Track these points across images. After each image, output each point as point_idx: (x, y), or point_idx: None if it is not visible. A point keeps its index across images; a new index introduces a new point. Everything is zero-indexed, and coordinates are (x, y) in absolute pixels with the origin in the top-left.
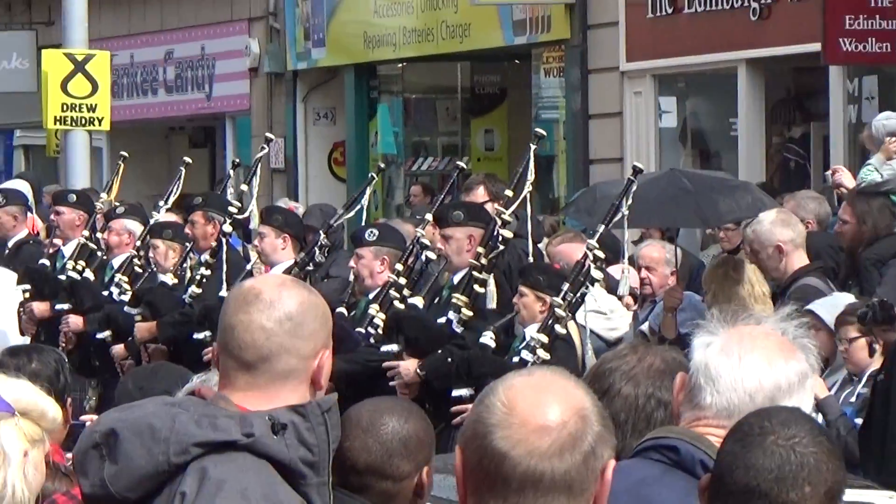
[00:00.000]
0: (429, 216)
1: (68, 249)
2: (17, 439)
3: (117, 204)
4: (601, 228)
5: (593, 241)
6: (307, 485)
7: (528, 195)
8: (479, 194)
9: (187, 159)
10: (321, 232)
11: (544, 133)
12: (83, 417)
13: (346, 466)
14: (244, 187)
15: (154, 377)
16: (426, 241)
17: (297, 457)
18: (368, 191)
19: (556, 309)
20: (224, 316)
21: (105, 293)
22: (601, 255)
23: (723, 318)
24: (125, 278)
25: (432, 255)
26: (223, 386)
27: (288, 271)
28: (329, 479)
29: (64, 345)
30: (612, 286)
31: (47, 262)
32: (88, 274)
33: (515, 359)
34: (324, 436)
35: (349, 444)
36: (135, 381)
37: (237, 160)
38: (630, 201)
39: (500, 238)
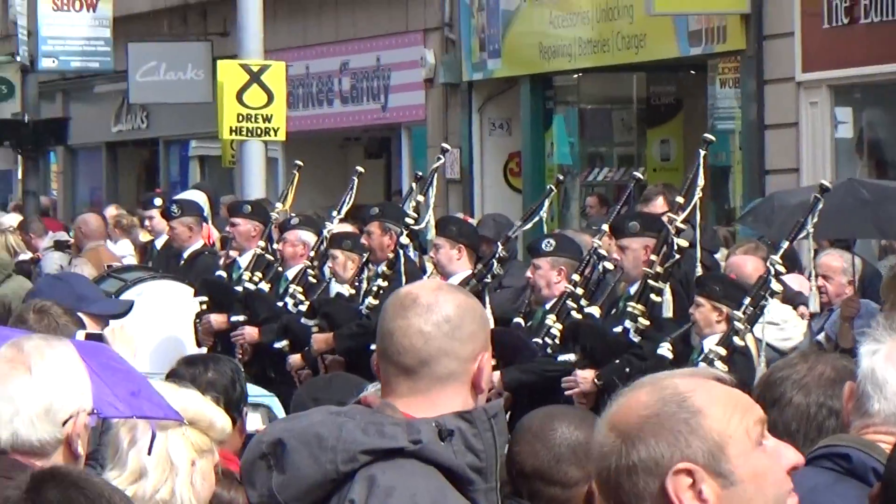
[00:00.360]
0: (605, 227)
1: (244, 260)
2: (184, 449)
3: (292, 215)
4: (785, 245)
5: (776, 257)
6: (475, 490)
7: (699, 202)
8: (658, 205)
9: (360, 169)
10: (499, 243)
11: (713, 139)
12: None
13: (514, 470)
14: (420, 198)
15: (329, 388)
16: (603, 252)
17: (465, 463)
18: (547, 203)
19: (736, 322)
20: (382, 322)
21: (280, 304)
22: (783, 269)
23: (889, 326)
24: (300, 289)
25: (609, 266)
26: (386, 393)
27: (465, 282)
28: (497, 485)
29: (240, 356)
30: (786, 296)
31: (224, 274)
32: (264, 285)
33: None
34: (490, 441)
35: (518, 448)
36: (309, 392)
37: (420, 173)
38: (815, 219)
39: (676, 247)
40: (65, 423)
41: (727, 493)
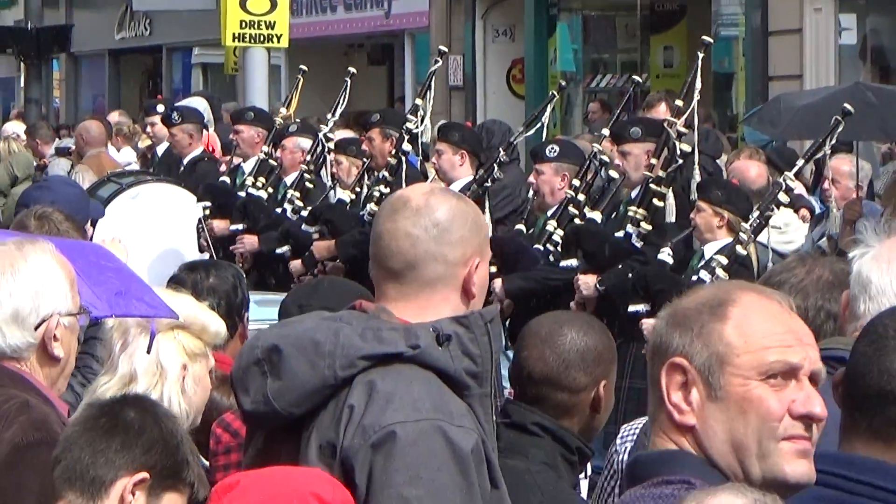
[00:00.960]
0: (605, 131)
1: (248, 166)
2: (175, 353)
3: (295, 121)
4: (800, 163)
5: (790, 173)
6: (470, 396)
7: (697, 106)
8: (661, 111)
9: (352, 70)
10: (500, 148)
11: (712, 41)
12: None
13: (523, 376)
14: (419, 101)
15: (314, 294)
16: (605, 157)
17: (462, 368)
18: (549, 109)
19: (741, 234)
20: (374, 225)
21: (279, 210)
22: (793, 185)
23: (877, 230)
24: (297, 195)
25: (615, 174)
26: (378, 297)
27: (466, 188)
28: (491, 391)
29: (240, 264)
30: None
31: (227, 179)
32: (265, 192)
33: (694, 277)
34: (487, 346)
35: (527, 353)
36: (295, 298)
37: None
38: (834, 140)
39: (679, 151)
40: (37, 327)
41: (710, 405)
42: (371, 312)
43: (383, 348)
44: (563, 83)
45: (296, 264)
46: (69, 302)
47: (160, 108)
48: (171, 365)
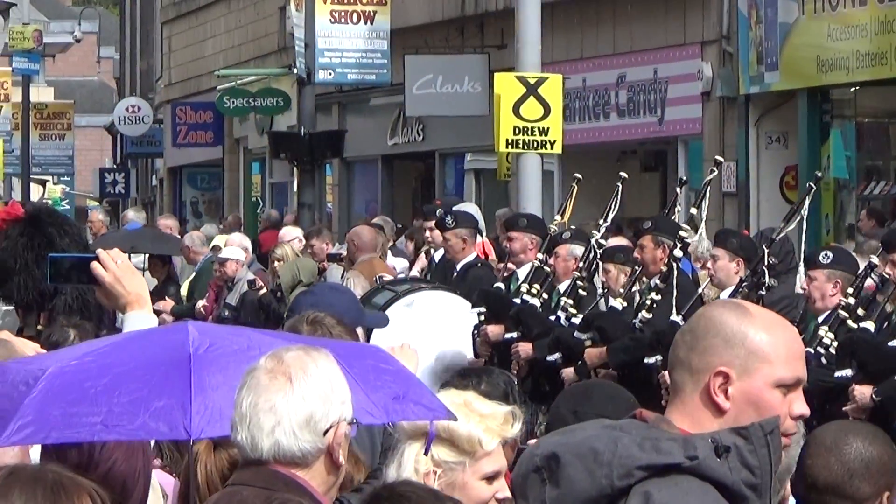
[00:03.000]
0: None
1: (522, 273)
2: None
3: (570, 228)
4: None
5: None
6: None
7: None
8: None
9: (623, 175)
10: (764, 248)
11: None
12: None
13: (807, 483)
14: (693, 210)
15: (588, 399)
16: (881, 269)
17: (740, 479)
18: (807, 201)
19: None
20: None
21: (552, 318)
22: None
23: None
24: (571, 302)
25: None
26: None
27: (734, 291)
28: (769, 502)
29: (516, 371)
30: None
31: (502, 286)
32: (540, 298)
33: None
34: (766, 458)
35: (811, 461)
36: (568, 403)
37: (684, 178)
38: None
39: None
40: (325, 432)
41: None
42: (651, 422)
43: (661, 459)
44: (819, 174)
45: (568, 372)
46: (350, 409)
47: (439, 211)
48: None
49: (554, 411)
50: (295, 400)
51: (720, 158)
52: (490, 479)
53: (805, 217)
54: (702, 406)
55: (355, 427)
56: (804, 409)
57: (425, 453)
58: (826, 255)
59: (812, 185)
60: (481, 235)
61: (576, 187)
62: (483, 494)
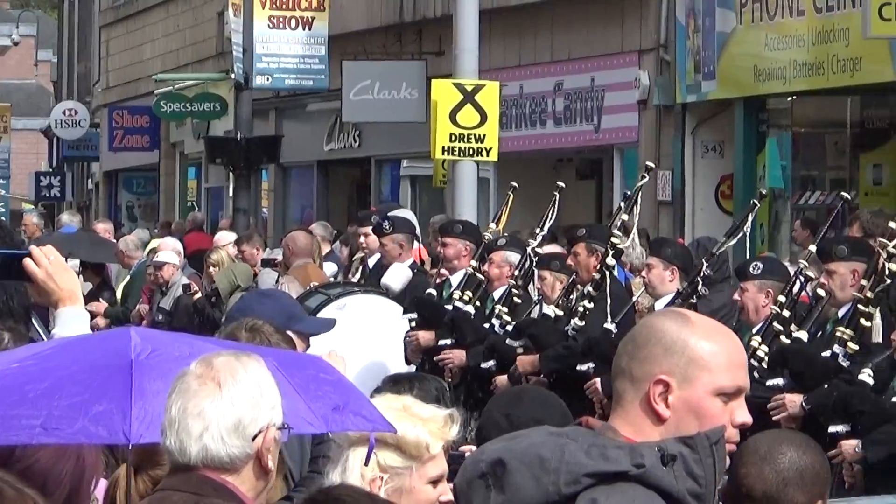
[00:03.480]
0: (812, 248)
1: (455, 279)
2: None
3: (504, 235)
4: None
5: None
6: None
7: None
8: (854, 230)
9: (561, 184)
10: (703, 261)
11: None
12: (462, 448)
13: (741, 493)
14: (625, 216)
15: (520, 403)
16: (810, 274)
17: (685, 488)
18: (751, 218)
19: None
20: None
21: (486, 325)
22: None
23: None
24: (505, 310)
25: (821, 293)
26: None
27: (670, 303)
28: None
29: (449, 379)
30: None
31: (434, 292)
32: (474, 305)
33: (894, 398)
34: (711, 468)
35: (745, 470)
36: (500, 407)
37: (628, 192)
38: None
39: (888, 272)
40: (254, 437)
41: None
42: (597, 430)
43: (608, 466)
44: (764, 192)
45: (501, 379)
46: (280, 415)
47: (374, 218)
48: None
49: (486, 415)
50: (223, 405)
51: (651, 164)
52: (435, 482)
53: (748, 234)
54: (643, 414)
55: (286, 432)
56: (746, 418)
57: (366, 464)
58: (756, 265)
59: (756, 202)
60: (418, 241)
61: (512, 196)
62: (430, 497)
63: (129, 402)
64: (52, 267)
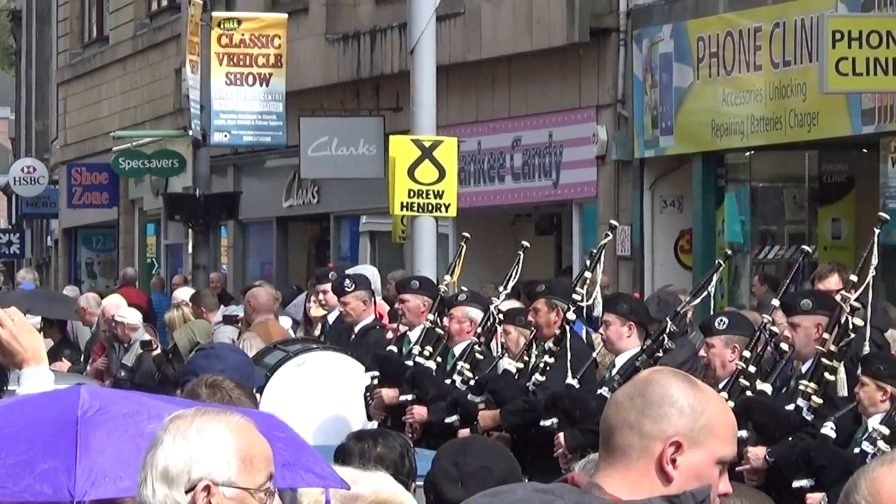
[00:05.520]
0: (775, 302)
1: (414, 335)
2: None
3: (462, 289)
4: None
5: None
6: None
7: (872, 282)
8: (833, 282)
9: (525, 244)
10: (668, 318)
11: (888, 217)
12: None
13: None
14: (588, 274)
15: (465, 452)
16: (774, 329)
17: None
18: (715, 278)
19: None
20: None
21: (448, 381)
22: None
23: None
24: (467, 366)
25: (785, 347)
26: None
27: (634, 358)
28: None
29: (410, 435)
30: None
31: (394, 348)
32: (435, 361)
33: (856, 450)
34: None
35: None
36: (448, 456)
37: (593, 251)
38: None
39: (851, 326)
40: (188, 491)
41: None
42: (583, 487)
43: None
44: (729, 252)
45: (463, 433)
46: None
47: (332, 275)
48: None
49: (435, 463)
50: (162, 455)
51: (615, 223)
52: None
53: (712, 294)
54: (649, 473)
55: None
56: (728, 489)
57: None
58: (721, 320)
59: (720, 262)
60: (376, 297)
61: (465, 246)
62: None
63: (75, 459)
64: (17, 327)
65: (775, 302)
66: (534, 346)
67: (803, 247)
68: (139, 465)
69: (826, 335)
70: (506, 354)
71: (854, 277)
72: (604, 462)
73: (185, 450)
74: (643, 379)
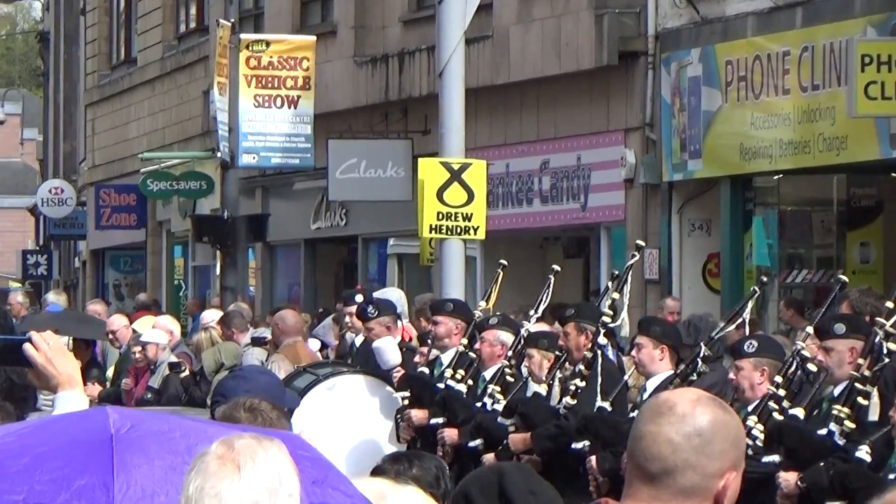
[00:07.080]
0: (809, 329)
1: (446, 358)
2: None
3: (496, 314)
4: None
5: None
6: None
7: None
8: (843, 308)
9: (556, 268)
10: (702, 344)
11: None
12: None
13: None
14: (616, 296)
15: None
16: (806, 353)
17: None
18: (750, 304)
19: None
20: (636, 424)
21: (478, 404)
22: None
23: None
24: (498, 388)
25: (812, 368)
26: (627, 496)
27: (667, 382)
28: None
29: (443, 457)
30: None
31: (426, 370)
32: (463, 386)
33: (891, 475)
34: None
35: None
36: (476, 487)
37: (616, 272)
38: None
39: (885, 350)
40: None
41: None
42: None
43: None
44: (765, 279)
45: (489, 457)
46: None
47: (359, 297)
48: None
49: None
50: (241, 488)
51: (641, 243)
52: None
53: (747, 321)
54: None
55: None
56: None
57: None
58: (751, 344)
59: (756, 288)
60: (402, 320)
61: (501, 273)
62: None
63: (112, 475)
64: (52, 352)
65: (809, 329)
66: (560, 369)
67: (839, 276)
68: (174, 482)
69: (861, 360)
70: (530, 378)
71: (890, 304)
72: (653, 499)
73: (267, 484)
74: (689, 413)
